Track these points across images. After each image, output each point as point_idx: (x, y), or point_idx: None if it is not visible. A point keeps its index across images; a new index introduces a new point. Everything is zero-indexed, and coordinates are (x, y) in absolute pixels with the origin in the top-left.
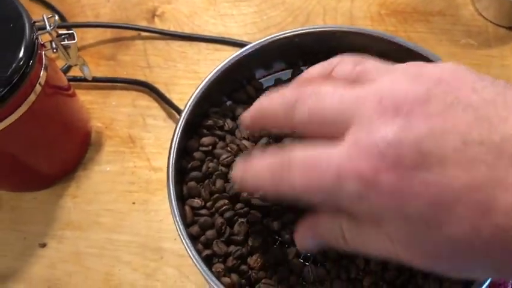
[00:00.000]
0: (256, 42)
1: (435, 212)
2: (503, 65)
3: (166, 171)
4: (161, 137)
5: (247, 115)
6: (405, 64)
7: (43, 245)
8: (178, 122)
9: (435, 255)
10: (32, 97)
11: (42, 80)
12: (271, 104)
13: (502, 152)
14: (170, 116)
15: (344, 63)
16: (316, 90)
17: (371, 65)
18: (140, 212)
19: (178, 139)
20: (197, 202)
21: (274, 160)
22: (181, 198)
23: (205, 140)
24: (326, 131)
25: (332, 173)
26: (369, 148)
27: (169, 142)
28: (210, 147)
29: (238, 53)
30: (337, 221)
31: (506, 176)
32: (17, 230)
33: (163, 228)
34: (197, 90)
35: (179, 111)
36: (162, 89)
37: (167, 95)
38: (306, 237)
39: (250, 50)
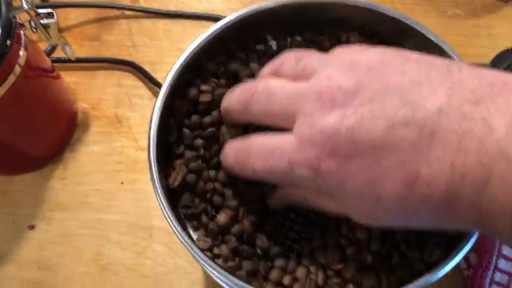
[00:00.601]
0: (238, 13)
1: (370, 189)
2: (490, 34)
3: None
4: (147, 115)
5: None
6: (340, 52)
7: (32, 227)
8: (158, 96)
9: (379, 220)
10: (12, 78)
11: (22, 60)
12: (232, 100)
13: (424, 129)
14: (156, 94)
15: (288, 60)
16: (266, 87)
17: (311, 59)
18: (129, 191)
19: (161, 108)
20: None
21: (238, 145)
22: (165, 176)
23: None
24: (278, 123)
25: (285, 160)
26: (312, 140)
27: None
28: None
29: (218, 26)
30: (300, 191)
31: (427, 151)
32: (6, 213)
33: (151, 206)
34: (179, 62)
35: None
36: (148, 68)
37: (153, 74)
38: (276, 203)
39: (231, 22)
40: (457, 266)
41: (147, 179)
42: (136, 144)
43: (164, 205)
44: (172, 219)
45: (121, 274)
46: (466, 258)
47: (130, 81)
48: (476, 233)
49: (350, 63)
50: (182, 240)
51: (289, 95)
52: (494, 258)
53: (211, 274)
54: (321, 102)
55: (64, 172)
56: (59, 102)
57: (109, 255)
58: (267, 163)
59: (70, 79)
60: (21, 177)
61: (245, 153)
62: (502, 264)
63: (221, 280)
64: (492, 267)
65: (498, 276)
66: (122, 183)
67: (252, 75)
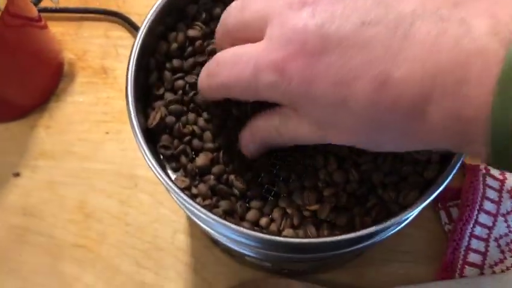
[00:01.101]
0: None
1: (338, 91)
2: None
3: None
4: None
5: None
6: None
7: (17, 175)
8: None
9: (350, 131)
10: None
11: (0, 5)
12: (220, 25)
13: (396, 30)
14: None
15: None
16: (240, 1)
17: None
18: (114, 141)
19: (138, 47)
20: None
21: (210, 61)
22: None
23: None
24: (251, 35)
25: (250, 66)
26: (280, 39)
27: None
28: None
29: None
30: (270, 121)
31: (399, 52)
32: None
33: (137, 156)
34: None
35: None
36: (135, 19)
37: (140, 26)
38: (247, 143)
39: None
40: (439, 221)
41: None
42: (122, 95)
43: (141, 140)
44: (147, 152)
45: (105, 222)
46: (448, 212)
47: (117, 32)
48: (451, 175)
49: None
50: (157, 174)
51: (260, 2)
52: (475, 212)
53: (185, 208)
54: (291, 3)
55: (49, 121)
56: (45, 51)
57: (93, 203)
58: (232, 71)
59: (57, 29)
60: (5, 126)
61: (215, 65)
62: (483, 218)
63: (197, 216)
64: (472, 221)
65: (478, 230)
66: (107, 133)
67: None
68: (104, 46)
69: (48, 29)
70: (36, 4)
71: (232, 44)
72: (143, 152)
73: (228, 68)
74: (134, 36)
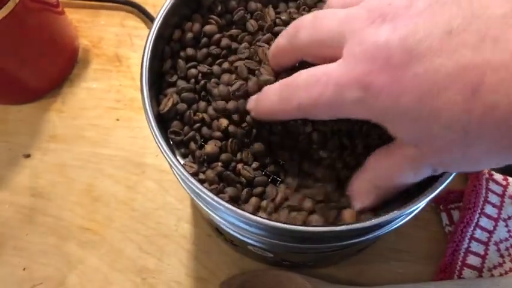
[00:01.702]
0: None
1: (428, 103)
2: None
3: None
4: None
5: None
6: None
7: (27, 156)
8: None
9: (443, 147)
10: (11, 4)
11: None
12: (278, 41)
13: (485, 35)
14: None
15: None
16: (314, 15)
17: None
18: (125, 128)
19: (155, 35)
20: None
21: (282, 83)
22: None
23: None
24: (326, 52)
25: (332, 84)
26: (362, 55)
27: None
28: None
29: None
30: (364, 176)
31: (491, 58)
32: (3, 141)
33: (146, 144)
34: None
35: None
36: (151, 10)
37: (155, 16)
38: (362, 195)
39: None
40: (440, 222)
41: (143, 117)
42: (134, 83)
43: (152, 124)
44: (158, 135)
45: (111, 206)
46: (449, 214)
47: (133, 22)
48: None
49: None
50: (166, 156)
51: (338, 18)
52: (477, 215)
53: (191, 192)
54: (371, 19)
55: (62, 106)
56: (61, 36)
57: (101, 187)
58: (311, 92)
59: (73, 16)
60: (18, 108)
61: (291, 88)
62: (484, 222)
63: (203, 200)
64: (473, 224)
65: (478, 233)
66: (118, 120)
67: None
68: (119, 35)
69: (66, 15)
70: None
71: (297, 60)
72: (154, 134)
73: (305, 89)
74: (149, 27)
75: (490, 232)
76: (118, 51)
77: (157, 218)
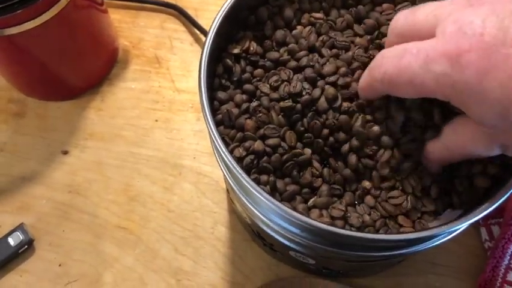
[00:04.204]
0: None
1: None
2: None
3: (190, 92)
4: (187, 60)
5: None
6: None
7: (65, 152)
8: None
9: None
10: (63, 2)
11: None
12: (388, 32)
13: None
14: (197, 40)
15: None
16: (409, 9)
17: None
18: (163, 129)
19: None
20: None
21: (374, 60)
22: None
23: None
24: (421, 34)
25: (421, 57)
26: (455, 33)
27: (195, 65)
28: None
29: None
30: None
31: None
32: (41, 136)
33: (183, 146)
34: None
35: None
36: (191, 13)
37: (196, 20)
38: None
39: None
40: (479, 237)
41: (181, 119)
42: (173, 85)
43: (210, 120)
44: (214, 130)
45: (148, 206)
46: (488, 230)
47: (173, 24)
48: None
49: None
50: (219, 146)
51: (434, 5)
52: None
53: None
54: (470, 3)
55: (101, 104)
56: (103, 35)
57: (138, 187)
58: (399, 61)
59: (115, 17)
60: (58, 104)
61: (379, 58)
62: None
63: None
64: None
65: None
66: (156, 121)
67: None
68: (159, 37)
69: (108, 15)
70: None
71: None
72: (211, 130)
73: (394, 59)
74: (189, 30)
75: None
76: (158, 53)
77: (193, 220)
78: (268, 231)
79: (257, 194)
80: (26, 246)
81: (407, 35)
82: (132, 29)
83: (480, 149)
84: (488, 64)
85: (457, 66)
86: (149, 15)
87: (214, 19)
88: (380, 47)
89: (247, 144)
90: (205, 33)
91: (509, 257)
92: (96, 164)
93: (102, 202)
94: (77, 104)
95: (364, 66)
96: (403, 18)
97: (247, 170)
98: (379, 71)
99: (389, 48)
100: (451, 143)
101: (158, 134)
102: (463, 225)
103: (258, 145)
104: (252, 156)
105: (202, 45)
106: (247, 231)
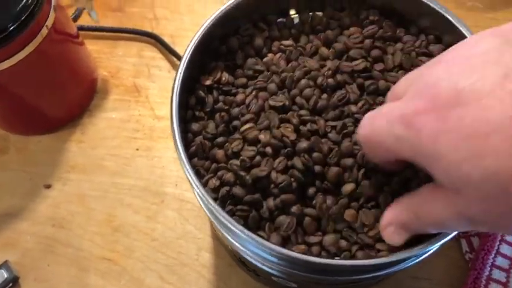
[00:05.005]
0: None
1: (472, 144)
2: None
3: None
4: (165, 87)
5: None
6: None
7: (48, 186)
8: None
9: (484, 196)
10: (39, 38)
11: (49, 22)
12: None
13: None
14: (175, 67)
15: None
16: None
17: None
18: (144, 158)
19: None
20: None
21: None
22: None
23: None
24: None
25: (386, 119)
26: (413, 94)
27: None
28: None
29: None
30: (409, 202)
31: None
32: (23, 171)
33: (165, 174)
34: (204, 26)
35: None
36: (168, 40)
37: (173, 47)
38: (388, 221)
39: None
40: (460, 249)
41: (162, 147)
42: (153, 113)
43: (182, 154)
44: (186, 162)
45: (132, 236)
46: (468, 241)
47: (150, 52)
48: None
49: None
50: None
51: (411, 72)
52: (497, 242)
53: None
54: (432, 63)
55: (81, 136)
56: (81, 67)
57: (121, 217)
58: (373, 123)
59: (92, 47)
60: (39, 138)
61: (364, 118)
62: (504, 249)
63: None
64: (494, 251)
65: (499, 260)
66: (137, 149)
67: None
68: (137, 65)
69: (85, 46)
70: (74, 21)
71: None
72: (183, 163)
73: (369, 120)
74: (167, 57)
75: (511, 259)
76: (136, 82)
77: (178, 248)
78: (249, 258)
79: (230, 226)
80: (11, 284)
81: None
82: (110, 58)
83: (449, 223)
84: (442, 126)
85: (412, 128)
86: (126, 44)
87: (185, 51)
88: (352, 72)
89: (219, 173)
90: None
91: (489, 268)
92: (79, 196)
93: (86, 234)
94: (58, 137)
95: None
96: (390, 90)
97: (223, 201)
98: (360, 132)
99: (372, 111)
100: (419, 208)
101: (140, 163)
102: (435, 246)
103: (229, 176)
104: (227, 188)
105: (173, 80)
106: (230, 257)
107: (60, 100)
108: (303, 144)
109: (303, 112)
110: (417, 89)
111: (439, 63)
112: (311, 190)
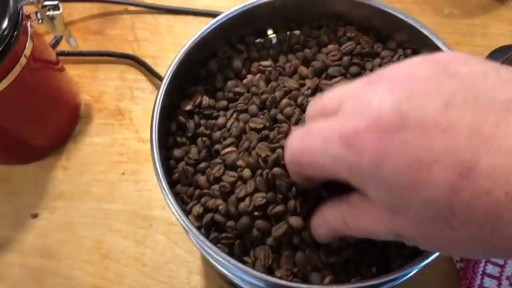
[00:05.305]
0: (238, 7)
1: (413, 172)
2: (486, 33)
3: None
4: (149, 109)
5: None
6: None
7: (35, 216)
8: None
9: (421, 222)
10: (18, 68)
11: (27, 51)
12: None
13: (487, 115)
14: (157, 88)
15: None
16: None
17: None
18: (130, 182)
19: (161, 98)
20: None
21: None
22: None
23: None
24: (326, 114)
25: (320, 137)
26: (353, 113)
27: None
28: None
29: (218, 18)
30: (338, 208)
31: (490, 139)
32: (9, 202)
33: (152, 197)
34: (182, 51)
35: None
36: (149, 62)
37: (155, 68)
38: (316, 227)
39: (232, 15)
40: (450, 258)
41: (148, 169)
42: (138, 136)
43: (164, 185)
44: (170, 197)
45: (121, 262)
46: None
47: (132, 75)
48: None
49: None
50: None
51: (339, 87)
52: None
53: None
54: (370, 82)
55: (67, 162)
56: (63, 94)
57: (110, 243)
58: (304, 142)
59: (73, 72)
60: (24, 167)
61: (289, 138)
62: None
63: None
64: (484, 259)
65: (490, 268)
66: (123, 173)
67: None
68: (120, 88)
69: (66, 72)
70: (53, 47)
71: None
72: (165, 195)
73: (299, 138)
74: (149, 79)
75: (502, 266)
76: (120, 105)
77: (168, 272)
78: (238, 282)
79: (215, 256)
80: None
81: (316, 115)
82: (92, 83)
83: (380, 233)
84: (384, 149)
85: (352, 148)
86: (108, 68)
87: (164, 77)
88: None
89: (203, 200)
90: None
91: (480, 277)
92: (67, 225)
93: (76, 263)
94: (43, 164)
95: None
96: (312, 105)
97: (207, 229)
98: (288, 151)
99: (299, 128)
100: (349, 218)
101: (127, 187)
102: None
103: (212, 202)
104: (211, 214)
105: (153, 107)
106: (221, 279)
107: (44, 128)
108: (273, 156)
109: (283, 129)
110: (355, 107)
111: (379, 83)
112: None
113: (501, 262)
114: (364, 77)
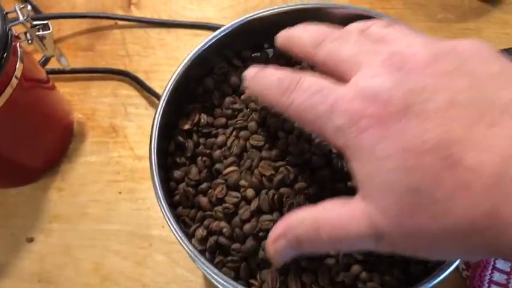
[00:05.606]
0: (234, 21)
1: (405, 158)
2: (480, 37)
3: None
4: (143, 125)
5: (280, 35)
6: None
7: (31, 240)
8: (159, 104)
9: (399, 209)
10: (9, 90)
11: (18, 72)
12: (304, 34)
13: (483, 117)
14: (151, 103)
15: (377, 24)
16: (343, 36)
17: (398, 28)
18: (127, 201)
19: (159, 118)
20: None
21: (287, 75)
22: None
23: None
24: (339, 71)
25: (328, 103)
26: (365, 91)
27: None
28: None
29: (215, 34)
30: (311, 212)
31: (480, 139)
32: (3, 226)
33: (150, 215)
34: (178, 69)
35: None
36: (142, 77)
37: (148, 83)
38: (279, 233)
39: (228, 30)
40: (456, 267)
41: (145, 187)
42: (133, 153)
43: (164, 207)
44: (172, 221)
45: (121, 284)
46: None
47: (125, 90)
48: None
49: (434, 41)
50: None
51: (364, 47)
52: (493, 258)
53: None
54: (390, 63)
55: (61, 183)
56: (55, 113)
57: (109, 265)
58: (309, 99)
59: (65, 90)
60: (18, 190)
61: (292, 84)
62: (500, 263)
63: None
64: (490, 267)
65: (496, 276)
66: (120, 193)
67: None
68: (113, 105)
69: (57, 90)
70: (43, 66)
71: (306, 59)
72: (167, 220)
73: (305, 93)
74: (143, 94)
75: (508, 274)
76: (113, 122)
77: None
78: None
79: (221, 281)
80: None
81: (329, 68)
82: (85, 100)
83: (354, 237)
84: (384, 133)
85: (355, 126)
86: (100, 84)
87: (161, 98)
88: None
89: (206, 222)
90: (158, 96)
91: (487, 285)
92: (64, 247)
93: (75, 286)
94: (37, 186)
95: None
96: (328, 46)
97: (212, 252)
98: (288, 97)
99: (308, 78)
100: (324, 219)
101: (124, 206)
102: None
103: (216, 225)
104: (215, 237)
105: (151, 127)
106: None
107: (37, 149)
108: (279, 177)
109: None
110: (370, 86)
111: (398, 69)
112: None
113: (507, 269)
114: (385, 47)
